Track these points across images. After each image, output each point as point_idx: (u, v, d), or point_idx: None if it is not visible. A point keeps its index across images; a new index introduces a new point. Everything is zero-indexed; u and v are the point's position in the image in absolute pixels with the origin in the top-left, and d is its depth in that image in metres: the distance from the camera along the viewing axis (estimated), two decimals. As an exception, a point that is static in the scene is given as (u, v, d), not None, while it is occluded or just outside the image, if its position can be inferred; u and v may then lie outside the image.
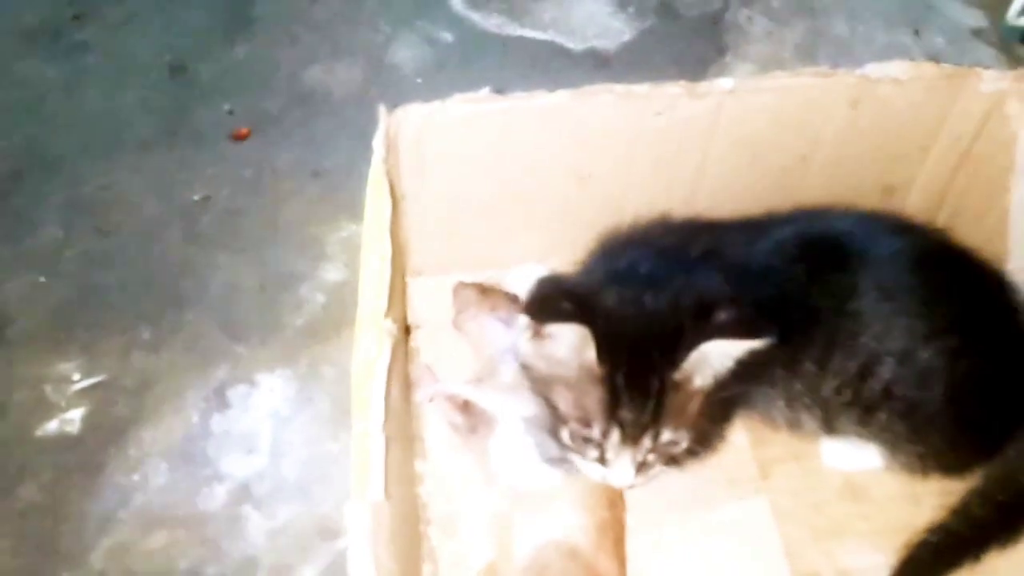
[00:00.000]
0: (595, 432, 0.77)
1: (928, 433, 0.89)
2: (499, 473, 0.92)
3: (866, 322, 0.86)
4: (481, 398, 0.94)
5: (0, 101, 1.33)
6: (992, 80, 1.01)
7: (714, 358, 0.76)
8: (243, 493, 1.00)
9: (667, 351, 0.75)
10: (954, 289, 0.90)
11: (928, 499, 0.93)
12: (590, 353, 0.75)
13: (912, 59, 1.33)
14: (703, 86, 0.98)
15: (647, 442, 0.77)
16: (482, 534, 0.92)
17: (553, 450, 0.86)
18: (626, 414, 0.76)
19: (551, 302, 0.76)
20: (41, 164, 1.26)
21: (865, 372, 0.86)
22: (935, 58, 1.39)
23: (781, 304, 0.84)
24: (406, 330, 1.03)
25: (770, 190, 1.07)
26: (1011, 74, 1.02)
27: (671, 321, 0.77)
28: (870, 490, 0.96)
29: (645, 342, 0.76)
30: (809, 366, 0.87)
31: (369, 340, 0.79)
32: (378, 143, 0.91)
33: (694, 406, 0.79)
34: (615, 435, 0.77)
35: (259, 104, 1.33)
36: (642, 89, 0.97)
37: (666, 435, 0.78)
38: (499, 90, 0.96)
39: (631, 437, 0.77)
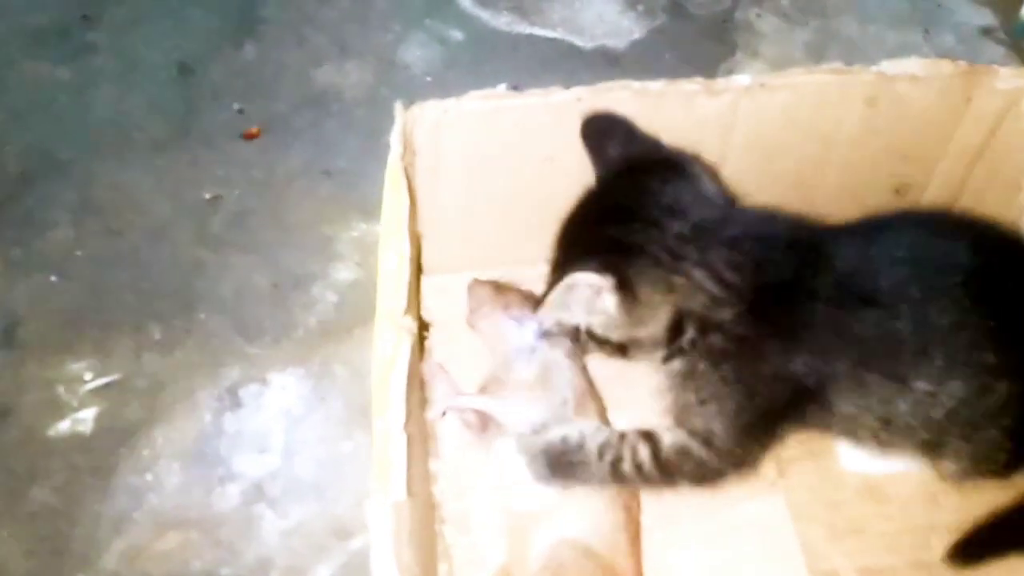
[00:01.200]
0: None
1: (1014, 440, 0.86)
2: (510, 486, 0.91)
3: (985, 339, 0.82)
4: (492, 408, 0.93)
5: (10, 102, 1.33)
6: (1008, 78, 1.00)
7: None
8: (256, 493, 1.00)
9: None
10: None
11: (946, 498, 0.93)
12: None
13: (924, 58, 1.34)
14: (720, 83, 0.98)
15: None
16: (496, 533, 0.91)
17: (547, 472, 0.87)
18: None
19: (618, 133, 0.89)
20: (52, 165, 1.26)
21: (981, 391, 0.82)
22: (945, 57, 1.39)
23: (892, 323, 0.81)
24: (422, 327, 1.03)
25: (786, 187, 1.07)
26: None
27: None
28: (887, 489, 0.96)
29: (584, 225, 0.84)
30: (921, 385, 0.81)
31: (388, 338, 0.78)
32: (395, 140, 0.90)
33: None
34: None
35: (269, 104, 1.33)
36: (658, 86, 0.97)
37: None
38: (515, 87, 0.96)
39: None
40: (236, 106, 1.32)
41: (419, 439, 0.91)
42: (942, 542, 0.90)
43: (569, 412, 0.92)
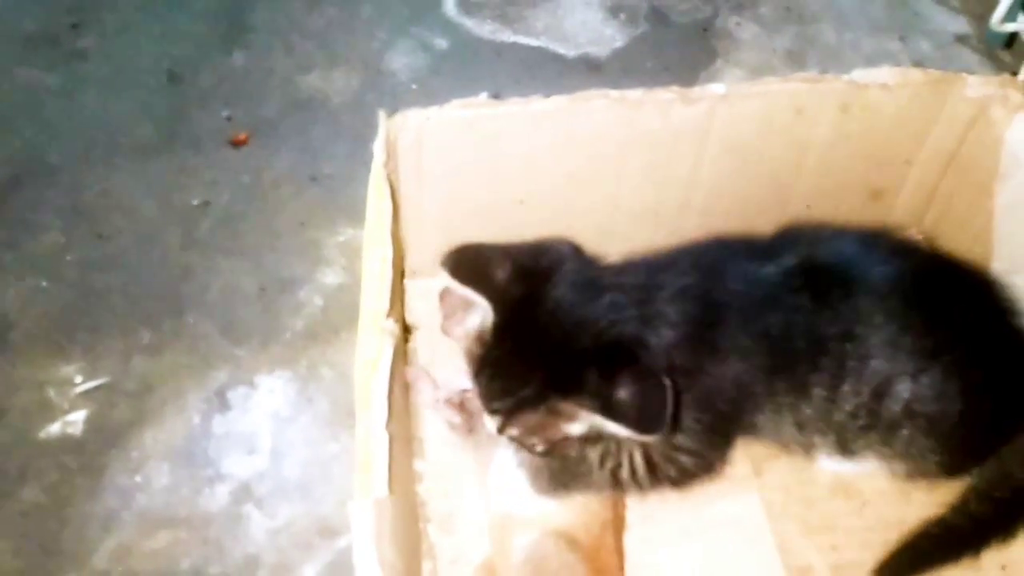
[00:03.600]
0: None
1: (948, 443, 0.91)
2: (496, 494, 0.93)
3: (875, 345, 0.87)
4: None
5: (0, 108, 1.34)
6: (978, 86, 1.03)
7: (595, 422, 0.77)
8: (244, 493, 1.02)
9: (552, 380, 0.77)
10: (954, 303, 0.91)
11: (917, 495, 0.96)
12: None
13: (899, 65, 1.36)
14: (696, 91, 1.00)
15: (499, 420, 0.80)
16: (480, 531, 0.93)
17: (550, 485, 0.89)
18: (488, 394, 0.80)
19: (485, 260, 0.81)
20: (41, 170, 1.27)
21: (881, 393, 0.87)
22: (921, 64, 1.42)
23: (787, 333, 0.85)
24: (406, 330, 1.05)
25: (761, 193, 1.09)
26: (996, 79, 1.05)
27: (578, 353, 0.77)
28: (860, 487, 0.98)
29: (543, 350, 0.78)
30: (819, 392, 0.87)
31: (371, 340, 0.81)
32: (378, 147, 0.93)
33: (554, 434, 0.80)
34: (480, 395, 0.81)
35: (257, 110, 1.35)
36: (636, 94, 1.00)
37: (515, 432, 0.80)
38: (496, 95, 0.98)
39: (488, 409, 0.80)
40: (224, 112, 1.34)
41: (402, 439, 0.93)
42: (911, 538, 0.94)
43: None
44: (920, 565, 0.92)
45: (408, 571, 0.81)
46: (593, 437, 0.84)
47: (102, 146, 1.30)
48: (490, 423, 0.81)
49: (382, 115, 0.95)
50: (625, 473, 0.87)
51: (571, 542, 0.87)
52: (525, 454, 0.89)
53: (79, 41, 1.42)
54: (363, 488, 0.73)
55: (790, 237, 0.93)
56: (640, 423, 0.74)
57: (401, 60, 1.43)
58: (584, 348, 0.77)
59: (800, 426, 0.90)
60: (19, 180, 1.26)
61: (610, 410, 0.74)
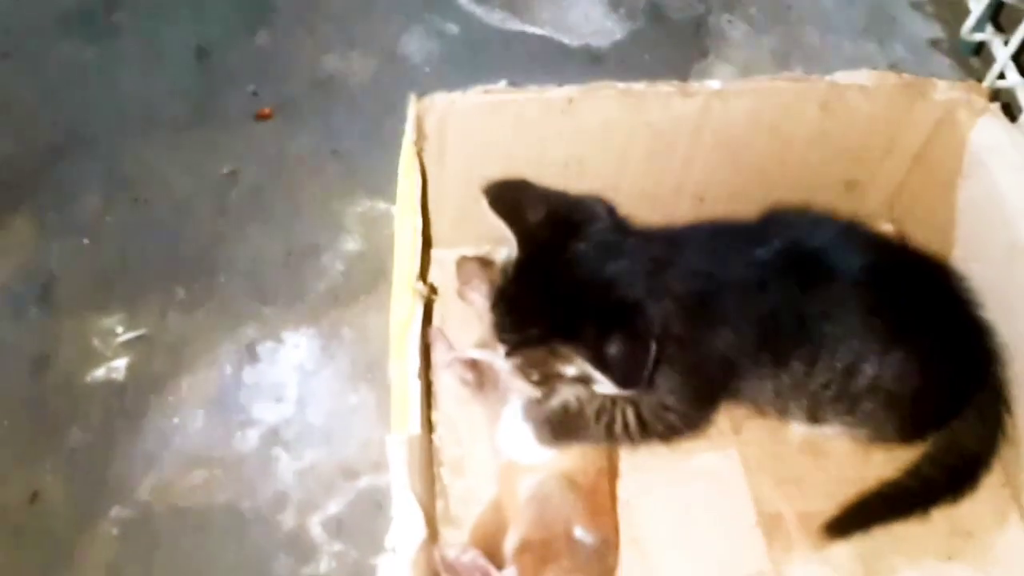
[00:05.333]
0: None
1: (904, 415, 1.01)
2: (504, 444, 1.02)
3: (850, 326, 0.96)
4: (491, 358, 1.06)
5: (41, 80, 1.42)
6: (945, 90, 1.13)
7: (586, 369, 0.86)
8: (273, 437, 1.11)
9: (556, 325, 0.86)
10: (918, 292, 1.01)
11: (876, 455, 1.06)
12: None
13: (877, 66, 1.45)
14: (693, 86, 1.10)
15: (507, 349, 0.89)
16: (488, 475, 1.03)
17: (551, 436, 0.98)
18: (500, 325, 0.89)
19: (524, 197, 0.90)
20: (81, 139, 1.35)
21: (852, 370, 0.97)
22: (897, 66, 1.52)
23: (774, 310, 0.96)
24: (431, 291, 1.15)
25: (747, 181, 1.18)
26: (962, 85, 1.14)
27: (581, 304, 0.86)
28: (826, 447, 1.08)
29: (555, 296, 0.87)
30: (797, 365, 0.97)
31: (404, 300, 0.91)
32: (409, 127, 1.02)
33: (550, 370, 0.89)
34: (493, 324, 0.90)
35: (281, 88, 1.43)
36: (639, 87, 1.09)
37: (518, 361, 0.90)
38: (514, 83, 1.08)
39: (498, 337, 0.89)
40: (251, 89, 1.42)
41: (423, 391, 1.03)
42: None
43: None
44: (870, 521, 1.02)
45: (427, 505, 0.92)
46: (588, 393, 0.95)
47: (137, 118, 1.38)
48: (500, 349, 0.90)
49: (412, 98, 1.04)
50: (618, 427, 0.97)
51: (570, 485, 0.97)
52: (531, 409, 0.99)
53: (113, 17, 1.50)
54: (399, 425, 0.84)
55: (777, 221, 1.02)
56: (622, 378, 0.84)
57: (415, 45, 1.51)
58: (590, 303, 0.86)
59: (778, 393, 1.00)
60: (61, 149, 1.34)
61: (600, 362, 0.84)
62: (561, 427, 0.99)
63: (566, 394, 0.98)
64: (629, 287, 0.88)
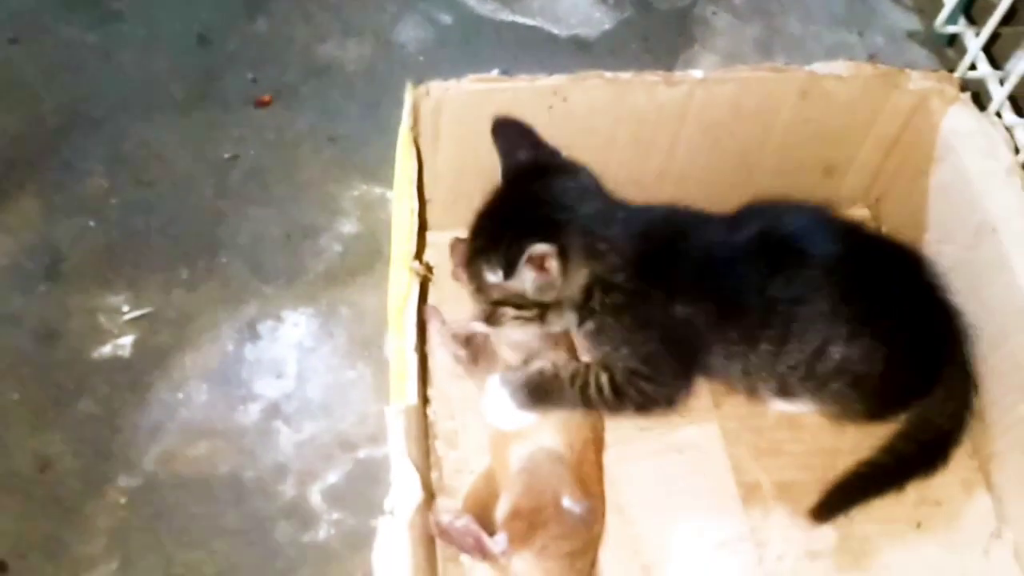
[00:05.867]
0: None
1: (871, 395, 1.06)
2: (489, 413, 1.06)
3: (818, 311, 1.00)
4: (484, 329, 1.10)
5: (45, 63, 1.45)
6: (919, 80, 1.17)
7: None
8: (274, 410, 1.15)
9: (495, 236, 0.98)
10: (887, 278, 1.05)
11: (850, 429, 1.11)
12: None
13: (856, 56, 1.51)
14: (678, 75, 1.14)
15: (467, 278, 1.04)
16: (480, 447, 1.07)
17: (527, 399, 1.03)
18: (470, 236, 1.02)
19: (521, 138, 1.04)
20: (85, 121, 1.38)
21: (819, 352, 1.01)
22: (875, 56, 1.57)
23: (741, 291, 1.01)
24: (428, 270, 1.19)
25: (729, 167, 1.23)
26: (935, 75, 1.18)
27: (520, 220, 0.98)
28: (802, 421, 1.13)
29: (507, 214, 1.00)
30: (766, 346, 1.01)
31: (401, 279, 0.96)
32: (406, 113, 1.06)
33: (492, 291, 1.01)
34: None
35: (279, 74, 1.47)
36: (626, 76, 1.13)
37: (472, 288, 1.03)
38: (506, 71, 1.13)
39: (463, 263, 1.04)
40: (250, 75, 1.46)
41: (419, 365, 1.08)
42: (843, 462, 1.09)
43: (543, 337, 1.10)
44: (852, 500, 1.07)
45: (423, 471, 0.96)
46: (564, 360, 1.05)
47: (139, 101, 1.41)
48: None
49: (409, 86, 1.08)
50: (592, 391, 1.02)
51: (558, 456, 1.01)
52: (509, 375, 1.05)
53: (114, 4, 1.53)
54: (397, 396, 0.89)
55: (751, 211, 1.06)
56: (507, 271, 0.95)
57: (409, 33, 1.55)
58: (523, 223, 0.98)
59: (746, 372, 1.04)
60: (65, 130, 1.37)
61: (503, 263, 0.96)
62: (537, 391, 1.03)
63: (543, 361, 1.05)
64: (568, 215, 0.97)
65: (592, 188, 1.03)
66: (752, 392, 1.08)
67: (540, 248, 0.95)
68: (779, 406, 1.11)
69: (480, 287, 1.02)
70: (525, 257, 0.94)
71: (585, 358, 1.09)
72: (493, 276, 0.98)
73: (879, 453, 1.08)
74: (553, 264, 0.96)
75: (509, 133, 1.05)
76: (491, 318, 1.03)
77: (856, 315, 1.01)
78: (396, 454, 0.86)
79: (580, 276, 0.99)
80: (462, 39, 1.55)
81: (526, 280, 0.98)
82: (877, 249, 1.11)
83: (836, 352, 1.01)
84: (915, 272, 1.09)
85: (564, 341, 1.12)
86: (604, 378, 1.02)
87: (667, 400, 1.04)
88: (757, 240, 1.02)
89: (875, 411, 1.09)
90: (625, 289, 0.99)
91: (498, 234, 0.98)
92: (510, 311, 1.02)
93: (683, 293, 1.00)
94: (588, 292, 1.00)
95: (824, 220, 1.07)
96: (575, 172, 1.03)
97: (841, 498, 1.07)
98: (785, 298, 1.00)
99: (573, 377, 1.03)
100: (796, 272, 1.00)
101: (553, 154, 1.05)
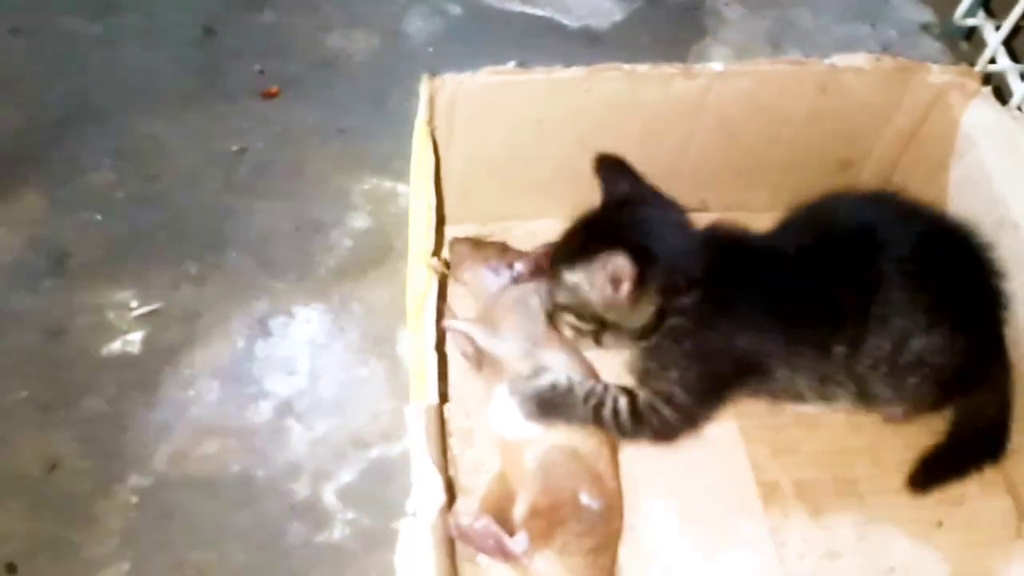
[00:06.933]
0: None
1: (944, 386, 1.04)
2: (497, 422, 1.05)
3: (896, 305, 0.97)
4: (482, 339, 1.09)
5: (49, 55, 1.43)
6: (939, 74, 1.16)
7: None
8: (286, 408, 1.13)
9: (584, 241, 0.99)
10: (955, 266, 1.03)
11: (867, 426, 1.11)
12: None
13: (868, 49, 1.50)
14: (696, 68, 1.13)
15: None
16: (495, 448, 1.06)
17: (535, 411, 1.01)
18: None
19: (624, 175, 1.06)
20: (89, 114, 1.36)
21: (900, 346, 0.98)
22: (887, 48, 1.55)
23: (807, 304, 0.99)
24: (445, 266, 1.17)
25: (743, 161, 1.23)
26: (955, 69, 1.17)
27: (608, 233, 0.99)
28: (819, 419, 1.12)
29: (595, 234, 1.00)
30: (840, 349, 0.99)
31: (420, 275, 0.94)
32: (422, 106, 1.04)
33: (560, 294, 1.02)
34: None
35: (286, 66, 1.45)
36: (643, 68, 1.12)
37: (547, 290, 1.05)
38: (522, 64, 1.11)
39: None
40: (256, 66, 1.44)
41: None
42: (861, 461, 1.10)
43: (541, 339, 1.08)
44: (946, 474, 1.07)
45: (444, 475, 0.95)
46: (581, 375, 1.03)
47: (145, 93, 1.39)
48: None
49: (425, 78, 1.07)
50: (607, 412, 1.00)
51: (573, 454, 1.00)
52: (518, 385, 1.02)
53: (118, -6, 1.51)
54: (417, 395, 0.87)
55: (808, 214, 1.05)
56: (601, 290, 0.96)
57: (417, 24, 1.53)
58: (614, 233, 0.99)
59: (822, 380, 1.02)
60: (69, 123, 1.35)
61: (587, 270, 0.97)
62: (547, 404, 1.01)
63: (558, 373, 1.03)
64: (656, 247, 0.97)
65: (680, 223, 1.03)
66: (828, 400, 1.05)
67: (621, 263, 0.94)
68: (803, 408, 1.10)
69: (552, 290, 1.03)
70: (603, 261, 0.95)
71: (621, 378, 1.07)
72: (569, 276, 0.99)
73: (950, 439, 1.08)
74: (626, 287, 0.95)
75: (610, 166, 1.07)
76: (552, 317, 1.04)
77: (933, 303, 0.99)
78: (418, 455, 0.84)
79: (647, 311, 0.98)
80: (471, 30, 1.54)
81: (595, 287, 0.97)
82: (942, 233, 1.07)
83: (916, 344, 0.99)
84: (975, 256, 1.06)
85: (560, 339, 1.10)
86: (623, 402, 1.01)
87: (689, 428, 1.03)
88: (822, 242, 1.01)
89: (939, 403, 1.07)
90: (690, 315, 0.98)
91: (586, 241, 0.99)
92: (569, 319, 1.02)
93: (748, 326, 0.99)
94: (652, 325, 0.99)
95: (884, 206, 1.07)
96: (668, 207, 1.04)
97: (939, 469, 1.07)
98: (854, 298, 0.98)
99: (588, 395, 1.01)
100: (865, 269, 0.98)
101: (651, 189, 1.06)
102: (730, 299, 0.99)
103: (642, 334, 1.00)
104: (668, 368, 1.00)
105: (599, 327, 1.01)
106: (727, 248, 1.02)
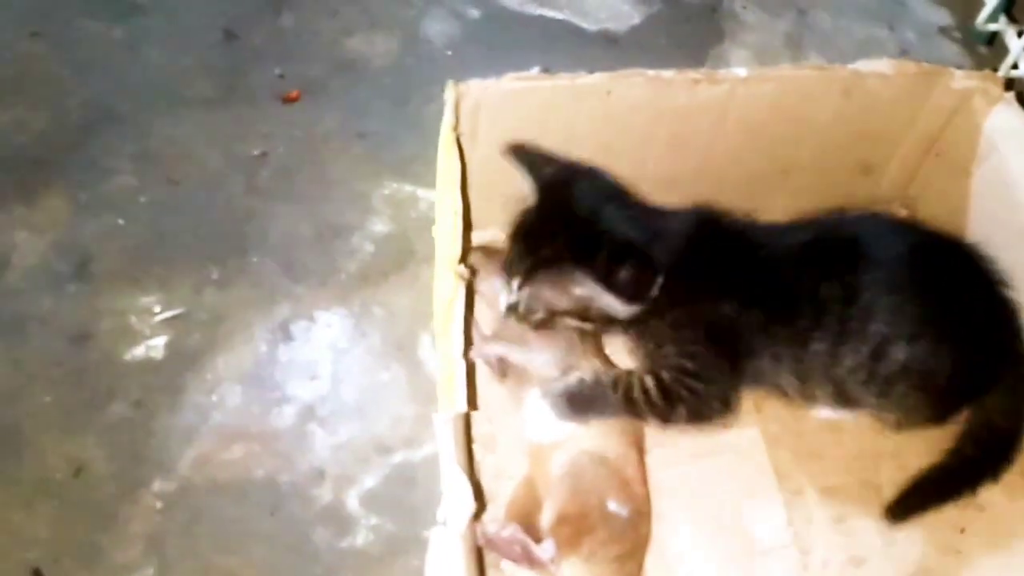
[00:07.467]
0: None
1: (937, 396, 1.03)
2: (531, 427, 1.05)
3: (875, 312, 0.97)
4: (515, 356, 1.10)
5: (71, 58, 1.43)
6: (963, 79, 1.16)
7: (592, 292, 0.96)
8: (308, 413, 1.14)
9: (573, 246, 0.96)
10: (949, 275, 1.03)
11: (890, 432, 1.09)
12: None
13: (887, 51, 1.50)
14: (721, 73, 1.12)
15: (515, 289, 1.00)
16: (518, 451, 1.06)
17: (568, 410, 1.02)
18: (516, 255, 1.00)
19: (541, 156, 1.03)
20: (111, 117, 1.37)
21: (879, 354, 0.98)
22: (906, 51, 1.55)
23: (788, 294, 0.99)
24: (472, 273, 1.17)
25: (766, 166, 1.22)
26: (979, 74, 1.17)
27: (596, 235, 0.96)
28: (843, 423, 1.12)
29: (568, 225, 0.97)
30: (819, 347, 0.99)
31: (447, 282, 0.94)
32: (448, 111, 1.04)
33: (555, 301, 1.00)
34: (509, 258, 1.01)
35: (306, 70, 1.45)
36: (668, 73, 1.11)
37: (526, 294, 1.00)
38: (546, 69, 1.11)
39: (510, 271, 1.00)
40: (277, 70, 1.44)
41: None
42: (886, 466, 1.09)
43: (576, 349, 1.09)
44: (927, 502, 1.05)
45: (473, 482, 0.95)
46: (605, 368, 1.03)
47: (166, 97, 1.40)
48: (513, 283, 1.00)
49: (450, 84, 1.06)
50: (638, 395, 1.00)
51: (601, 460, 1.00)
52: (549, 387, 1.03)
53: (138, -2, 1.51)
54: (446, 404, 0.87)
55: (811, 220, 1.05)
56: (630, 296, 0.96)
57: (436, 27, 1.53)
58: (601, 233, 0.96)
59: (800, 378, 1.02)
60: (92, 126, 1.36)
61: (609, 282, 0.94)
62: (579, 400, 1.02)
63: (584, 371, 1.04)
64: (635, 230, 0.98)
65: (623, 191, 1.03)
66: (809, 399, 1.06)
67: (642, 274, 0.95)
68: (826, 413, 1.10)
69: (545, 297, 1.00)
70: (628, 275, 0.95)
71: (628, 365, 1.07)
72: (577, 288, 0.97)
73: (948, 456, 1.06)
74: (654, 290, 0.96)
75: (524, 152, 1.04)
76: (541, 324, 1.02)
77: (919, 314, 0.99)
78: (447, 463, 0.84)
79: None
80: (489, 33, 1.54)
81: (611, 293, 0.97)
82: (936, 246, 1.08)
83: (899, 352, 0.99)
84: (974, 267, 1.06)
85: (594, 350, 1.10)
86: (650, 381, 1.00)
87: (720, 400, 1.02)
88: (812, 243, 1.01)
89: (938, 414, 1.07)
90: (672, 288, 0.98)
91: (585, 251, 0.96)
92: (571, 321, 1.01)
93: (730, 293, 0.99)
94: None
95: (880, 222, 1.06)
96: (602, 177, 1.04)
97: (918, 499, 1.05)
98: (837, 297, 0.98)
99: (615, 383, 1.02)
100: (851, 273, 0.99)
101: (573, 162, 1.05)
102: (710, 268, 1.00)
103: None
104: (663, 343, 1.01)
105: (605, 323, 1.02)
106: (700, 219, 1.03)
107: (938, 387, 1.02)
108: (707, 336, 1.00)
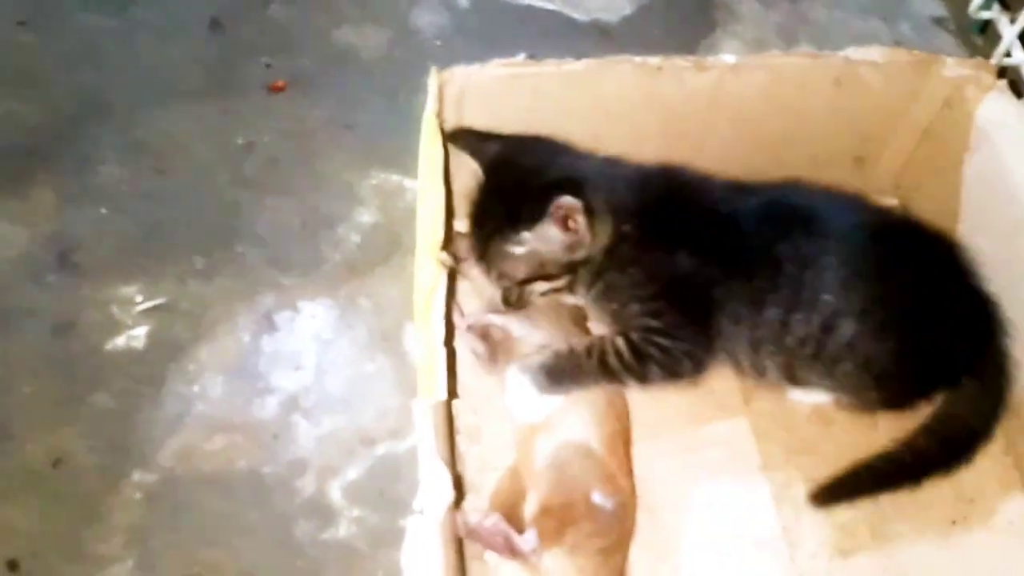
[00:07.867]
0: None
1: (885, 381, 1.03)
2: (517, 403, 1.04)
3: (828, 283, 0.98)
4: (509, 326, 1.08)
5: (61, 48, 1.42)
6: (955, 67, 1.14)
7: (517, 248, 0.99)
8: (292, 404, 1.12)
9: (511, 211, 0.98)
10: (907, 257, 1.02)
11: (884, 423, 1.08)
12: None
13: (882, 43, 1.48)
14: (709, 60, 1.11)
15: (478, 252, 1.02)
16: (503, 442, 1.05)
17: (547, 382, 1.01)
18: (473, 233, 1.03)
19: (484, 136, 1.05)
20: (99, 108, 1.36)
21: (828, 327, 0.98)
22: (901, 43, 1.54)
23: (746, 250, 0.99)
24: (456, 260, 1.16)
25: (758, 155, 1.20)
26: (971, 62, 1.15)
27: (532, 191, 0.98)
28: (834, 415, 1.11)
29: (509, 194, 1.00)
30: (773, 313, 0.98)
31: (429, 270, 0.93)
32: (431, 99, 1.03)
33: (514, 268, 1.01)
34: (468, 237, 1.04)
35: (295, 61, 1.44)
36: (656, 61, 1.10)
37: (489, 266, 1.02)
38: (532, 56, 1.10)
39: (471, 248, 1.03)
40: (265, 61, 1.43)
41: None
42: (875, 459, 1.08)
43: (568, 325, 1.08)
44: (858, 491, 1.04)
45: (452, 471, 0.94)
46: (577, 338, 1.03)
47: (155, 88, 1.39)
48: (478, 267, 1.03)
49: (433, 71, 1.05)
50: (612, 359, 1.00)
51: (586, 451, 0.99)
52: (526, 363, 1.02)
53: (127, -12, 1.50)
54: (426, 391, 0.86)
55: (774, 184, 1.06)
56: (561, 226, 0.96)
57: (426, 18, 1.52)
58: (538, 186, 0.98)
59: (753, 345, 1.01)
60: (81, 117, 1.35)
61: (532, 222, 0.97)
62: (556, 371, 1.01)
63: (558, 345, 1.03)
64: (573, 171, 0.99)
65: (574, 150, 1.05)
66: (760, 373, 1.04)
67: (567, 200, 0.95)
68: (798, 395, 1.09)
69: (504, 270, 1.02)
70: (552, 209, 0.95)
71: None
72: (518, 247, 0.99)
73: (897, 447, 1.04)
74: (580, 220, 0.96)
75: (466, 136, 1.06)
76: (519, 300, 1.03)
77: (871, 292, 0.99)
78: (426, 452, 0.83)
79: (604, 233, 0.99)
80: (480, 24, 1.52)
81: (553, 239, 0.98)
82: (905, 232, 1.08)
83: (847, 328, 0.98)
84: (946, 259, 1.06)
85: (586, 330, 1.09)
86: (621, 342, 1.00)
87: (691, 357, 1.01)
88: (769, 204, 1.01)
89: (892, 400, 1.06)
90: (629, 242, 0.99)
91: (513, 208, 0.98)
92: (539, 285, 1.02)
93: (687, 245, 0.99)
94: (609, 250, 1.00)
95: (846, 198, 1.06)
96: (548, 141, 1.05)
97: (847, 488, 1.04)
98: (793, 261, 0.98)
99: (589, 350, 1.01)
100: (807, 238, 0.99)
101: (519, 136, 1.06)
102: (666, 220, 1.00)
103: (593, 278, 1.02)
104: (627, 302, 1.01)
105: (570, 276, 1.02)
106: (656, 172, 1.04)
107: (886, 371, 1.01)
108: (668, 291, 1.00)
